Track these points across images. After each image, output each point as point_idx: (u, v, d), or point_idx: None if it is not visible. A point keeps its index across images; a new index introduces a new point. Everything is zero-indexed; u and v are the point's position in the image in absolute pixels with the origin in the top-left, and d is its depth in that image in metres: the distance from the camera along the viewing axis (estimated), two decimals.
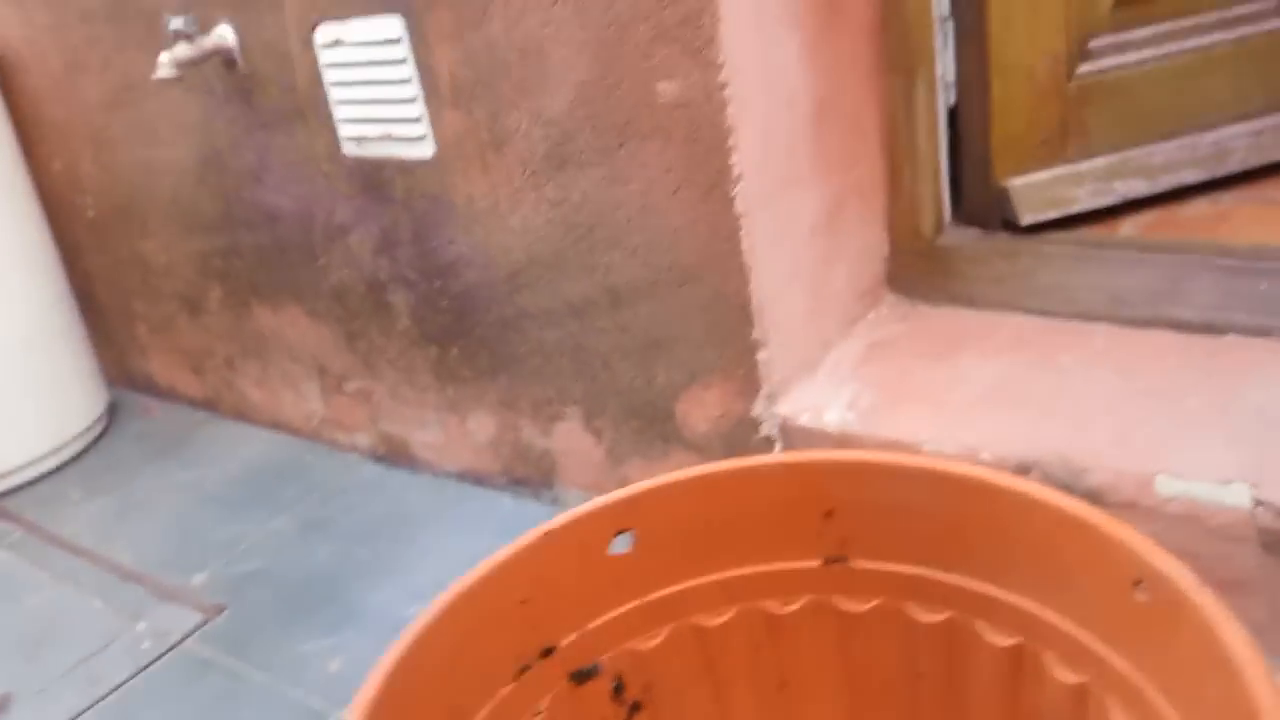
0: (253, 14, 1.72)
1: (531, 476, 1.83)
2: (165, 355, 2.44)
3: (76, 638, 1.66)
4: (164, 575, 1.81)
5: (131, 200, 2.21)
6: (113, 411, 2.53)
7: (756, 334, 1.44)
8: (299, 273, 1.97)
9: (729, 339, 1.46)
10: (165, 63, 1.69)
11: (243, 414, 2.34)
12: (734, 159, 1.33)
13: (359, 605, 1.64)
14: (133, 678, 1.54)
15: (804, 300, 1.48)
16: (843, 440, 1.42)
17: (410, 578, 1.68)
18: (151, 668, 1.56)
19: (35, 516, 2.11)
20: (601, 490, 1.69)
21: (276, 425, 2.28)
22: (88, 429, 2.38)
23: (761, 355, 1.45)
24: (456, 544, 1.76)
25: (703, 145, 1.34)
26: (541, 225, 1.56)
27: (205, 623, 1.65)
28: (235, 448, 2.25)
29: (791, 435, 1.48)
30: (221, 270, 2.12)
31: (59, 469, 2.30)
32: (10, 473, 2.23)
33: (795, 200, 1.42)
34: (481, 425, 1.85)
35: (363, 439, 2.09)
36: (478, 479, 1.92)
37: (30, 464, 2.25)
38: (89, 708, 1.48)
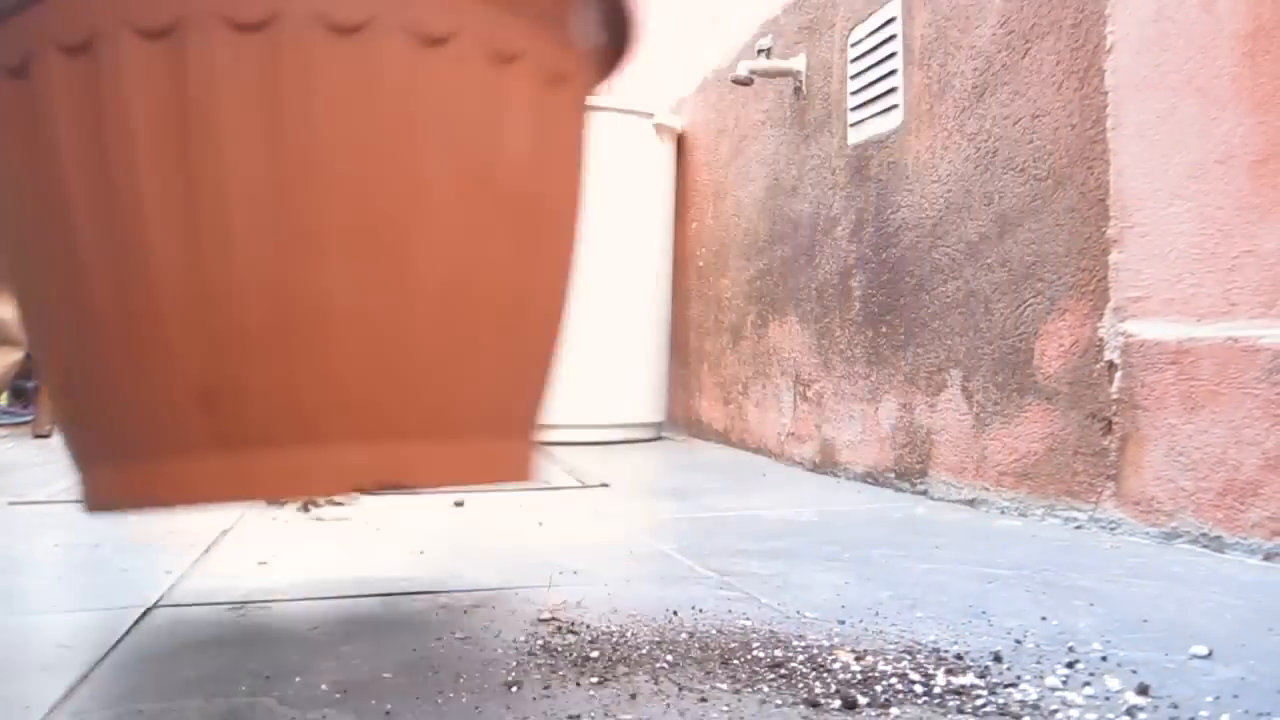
0: (817, 40, 2.15)
1: (911, 468, 1.79)
2: (711, 391, 2.85)
3: None
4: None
5: (723, 244, 2.73)
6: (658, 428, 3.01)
7: (1111, 232, 1.34)
8: (799, 278, 2.24)
9: (1087, 245, 1.38)
10: (743, 66, 2.18)
11: (743, 439, 2.61)
12: (1109, 29, 1.33)
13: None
14: None
15: (1192, 229, 1.33)
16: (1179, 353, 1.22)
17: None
18: None
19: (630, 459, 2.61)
20: (963, 477, 1.66)
21: (759, 448, 2.50)
22: (653, 424, 2.90)
23: (1114, 257, 1.33)
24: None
25: (1084, 22, 1.37)
26: (959, 164, 1.65)
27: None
28: (712, 453, 2.52)
29: (1133, 356, 1.31)
30: (759, 291, 2.49)
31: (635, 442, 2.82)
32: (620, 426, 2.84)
33: (1194, 109, 1.33)
34: (887, 412, 1.87)
35: (809, 449, 2.21)
36: (875, 478, 1.92)
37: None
38: None
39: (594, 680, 0.75)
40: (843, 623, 0.92)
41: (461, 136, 0.77)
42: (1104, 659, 0.80)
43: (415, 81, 0.74)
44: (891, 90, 1.84)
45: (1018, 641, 0.85)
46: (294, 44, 0.71)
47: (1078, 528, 1.39)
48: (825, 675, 0.76)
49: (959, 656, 0.81)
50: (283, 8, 0.70)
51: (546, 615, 0.94)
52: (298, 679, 0.76)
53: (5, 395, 3.31)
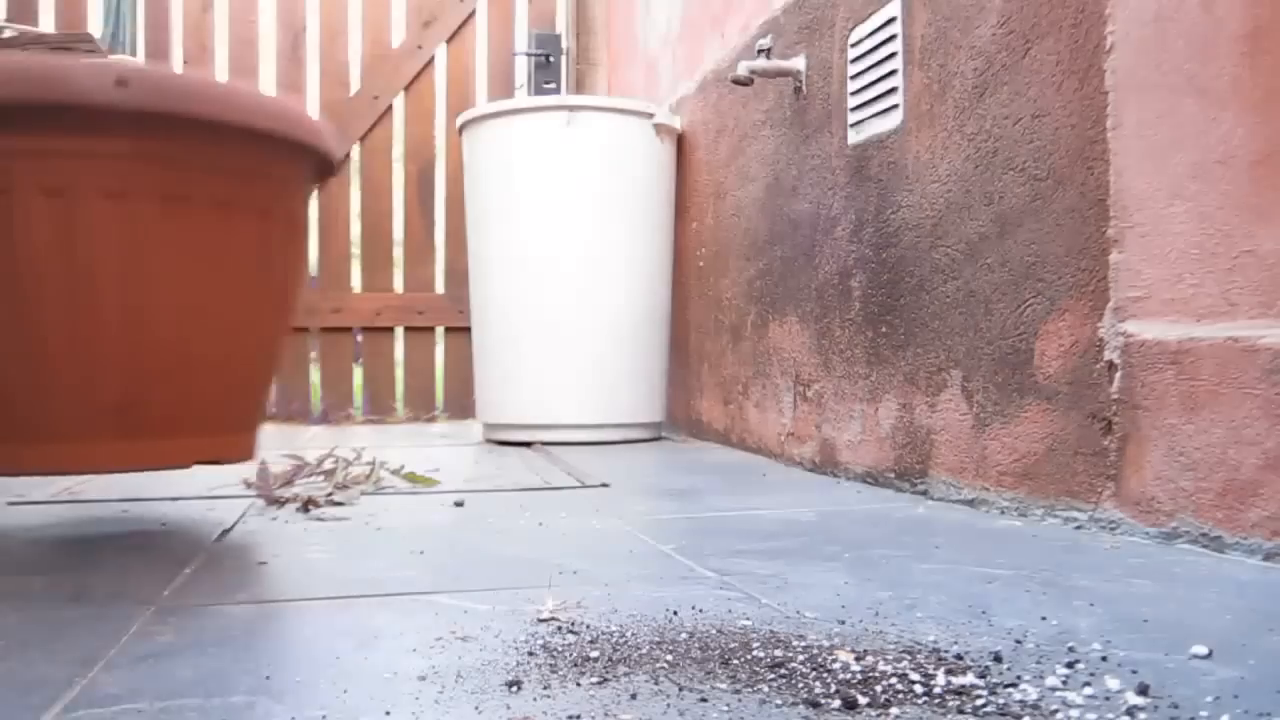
0: (817, 40, 2.15)
1: (911, 467, 1.78)
2: (711, 391, 2.85)
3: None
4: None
5: (723, 244, 2.73)
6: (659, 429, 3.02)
7: (1111, 232, 1.34)
8: (799, 278, 2.24)
9: (1087, 245, 1.38)
10: (743, 67, 2.19)
11: (743, 439, 2.61)
12: (1109, 29, 1.34)
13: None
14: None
15: (1192, 229, 1.32)
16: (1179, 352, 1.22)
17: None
18: None
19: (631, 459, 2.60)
20: (963, 477, 1.67)
21: (759, 448, 2.50)
22: (653, 424, 2.90)
23: (1114, 257, 1.33)
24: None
25: (1084, 22, 1.37)
26: (959, 164, 1.65)
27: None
28: (713, 455, 2.52)
29: (1133, 356, 1.31)
30: (759, 291, 2.49)
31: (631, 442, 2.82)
32: (611, 426, 2.84)
33: (1194, 109, 1.33)
34: (887, 412, 1.87)
35: (808, 449, 2.21)
36: (875, 478, 1.92)
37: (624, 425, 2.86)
38: None
39: (594, 680, 0.75)
40: (843, 623, 0.92)
41: (171, 255, 1.28)
42: (1104, 659, 0.80)
43: (154, 224, 1.27)
44: (891, 90, 1.84)
45: (1018, 641, 0.85)
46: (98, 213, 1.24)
47: (1078, 528, 1.39)
48: (825, 675, 0.76)
49: (959, 656, 0.81)
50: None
51: (546, 615, 0.94)
52: (297, 679, 0.77)
53: None
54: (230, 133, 1.28)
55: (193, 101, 1.26)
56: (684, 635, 0.87)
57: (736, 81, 2.25)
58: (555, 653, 0.82)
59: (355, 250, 4.05)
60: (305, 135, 1.39)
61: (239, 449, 1.45)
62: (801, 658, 0.80)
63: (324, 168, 1.47)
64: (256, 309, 1.39)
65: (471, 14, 4.07)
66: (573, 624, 0.91)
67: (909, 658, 0.80)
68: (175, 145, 1.26)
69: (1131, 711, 0.68)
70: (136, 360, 1.27)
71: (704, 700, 0.71)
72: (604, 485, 1.95)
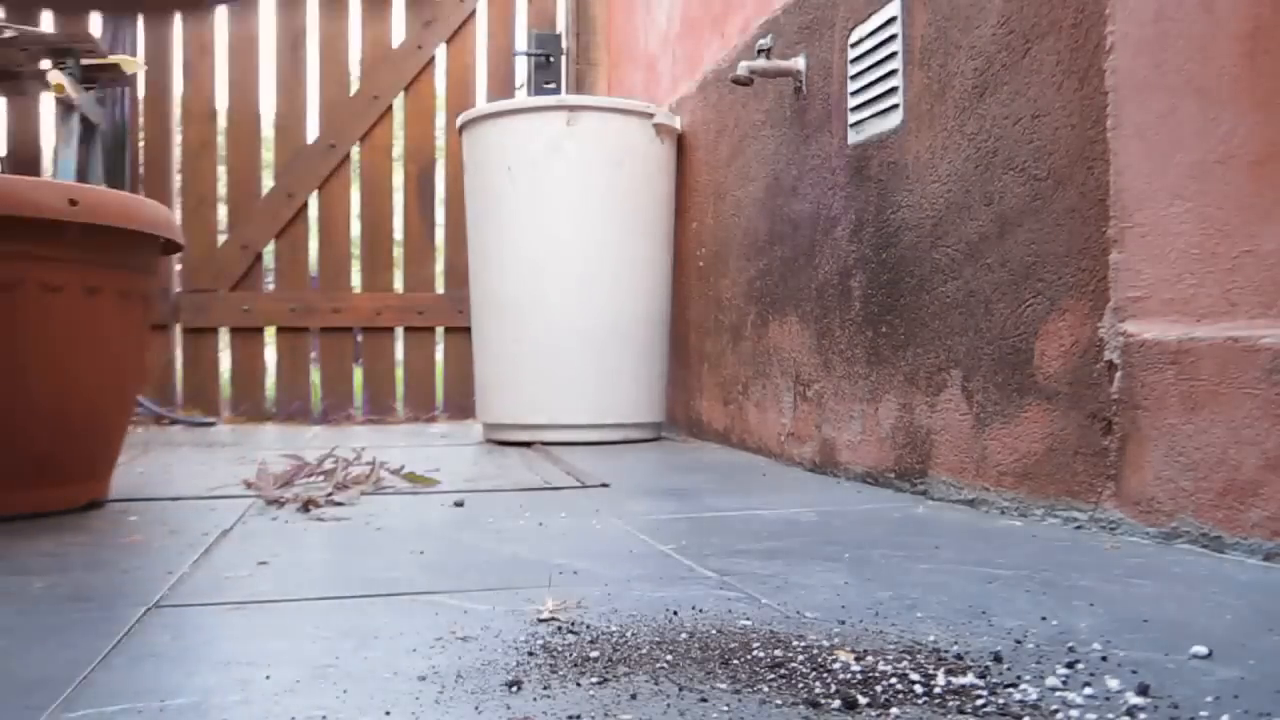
0: (817, 40, 2.15)
1: (911, 467, 1.78)
2: (711, 391, 2.85)
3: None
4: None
5: (724, 244, 2.73)
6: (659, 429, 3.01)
7: (1111, 232, 1.34)
8: (799, 278, 2.24)
9: (1087, 245, 1.38)
10: (743, 67, 2.19)
11: (743, 439, 2.61)
12: (1109, 29, 1.33)
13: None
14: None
15: (1192, 229, 1.32)
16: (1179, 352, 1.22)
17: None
18: None
19: (622, 459, 2.60)
20: (963, 477, 1.67)
21: (759, 448, 2.50)
22: (653, 424, 2.90)
23: (1114, 257, 1.33)
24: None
25: (1084, 22, 1.37)
26: (959, 164, 1.65)
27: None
28: (713, 455, 2.52)
29: (1132, 356, 1.31)
30: (759, 291, 2.49)
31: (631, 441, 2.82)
32: (612, 425, 2.85)
33: (1194, 109, 1.32)
34: (887, 412, 1.87)
35: (808, 449, 2.21)
36: (875, 478, 1.91)
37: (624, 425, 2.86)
38: None
39: (594, 680, 0.75)
40: (843, 623, 0.92)
41: (88, 329, 1.61)
42: (1104, 659, 0.80)
43: (80, 309, 1.61)
44: (891, 90, 1.84)
45: (1018, 641, 0.85)
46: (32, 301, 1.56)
47: (1078, 528, 1.39)
48: (825, 675, 0.76)
49: (959, 656, 0.81)
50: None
51: (546, 615, 0.94)
52: (297, 679, 0.77)
53: None
54: (135, 237, 1.62)
55: (121, 216, 1.59)
56: (684, 635, 0.87)
57: (736, 81, 2.25)
58: (555, 653, 0.82)
59: (355, 250, 4.05)
60: (174, 234, 1.74)
61: (106, 489, 1.74)
62: (801, 658, 0.80)
63: (174, 249, 1.80)
64: (132, 374, 1.75)
65: (471, 14, 4.07)
66: (573, 624, 0.91)
67: (909, 658, 0.80)
68: (99, 249, 1.58)
69: (1131, 711, 0.68)
70: (57, 422, 1.58)
71: (704, 700, 0.71)
72: (604, 485, 1.95)
